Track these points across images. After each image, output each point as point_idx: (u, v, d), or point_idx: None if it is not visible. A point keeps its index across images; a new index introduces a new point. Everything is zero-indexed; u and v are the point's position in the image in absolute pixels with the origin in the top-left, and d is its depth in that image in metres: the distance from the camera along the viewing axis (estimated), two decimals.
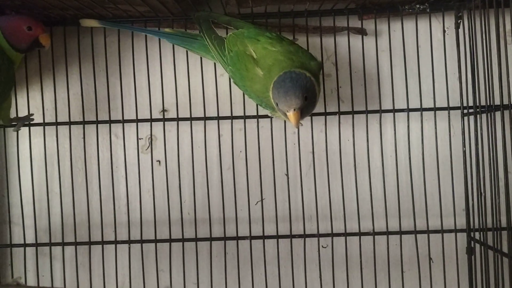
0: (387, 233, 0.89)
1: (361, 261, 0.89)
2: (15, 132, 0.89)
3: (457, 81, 0.89)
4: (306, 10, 0.88)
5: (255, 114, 0.89)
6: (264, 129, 0.91)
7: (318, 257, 0.90)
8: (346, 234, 0.89)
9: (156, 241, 0.90)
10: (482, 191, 0.85)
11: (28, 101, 0.90)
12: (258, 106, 0.87)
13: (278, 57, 0.75)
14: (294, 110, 0.70)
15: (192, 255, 0.90)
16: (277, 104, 0.72)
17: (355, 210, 0.89)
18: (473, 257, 0.88)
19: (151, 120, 0.90)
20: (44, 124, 0.90)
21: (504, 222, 0.78)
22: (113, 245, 0.90)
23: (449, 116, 0.88)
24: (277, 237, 0.89)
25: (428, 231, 0.88)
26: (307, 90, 0.71)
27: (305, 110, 0.72)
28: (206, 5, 0.87)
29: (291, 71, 0.72)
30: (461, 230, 0.89)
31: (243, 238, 0.90)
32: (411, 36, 0.90)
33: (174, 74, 0.90)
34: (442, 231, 0.88)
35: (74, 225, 0.90)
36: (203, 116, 0.90)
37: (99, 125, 0.91)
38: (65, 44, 0.90)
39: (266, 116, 0.89)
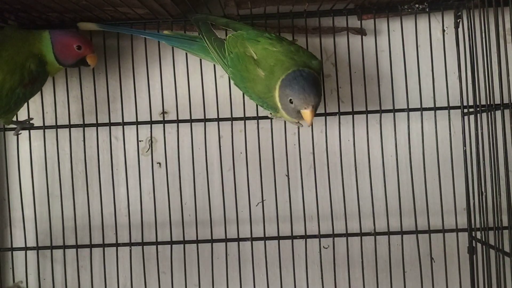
0: (388, 233, 0.89)
1: (362, 261, 0.89)
2: (16, 136, 0.89)
3: (457, 80, 0.89)
4: (305, 10, 0.88)
5: (255, 115, 0.89)
6: (264, 130, 0.91)
7: (319, 258, 0.90)
8: (347, 235, 0.89)
9: (157, 243, 0.90)
10: (483, 190, 0.85)
11: (28, 104, 0.90)
12: (258, 107, 0.87)
13: (279, 57, 0.75)
14: (312, 107, 0.70)
15: (193, 257, 0.90)
16: (290, 101, 0.71)
17: (356, 211, 0.89)
18: (474, 256, 0.88)
19: (151, 122, 0.90)
20: (44, 127, 0.90)
21: (505, 221, 0.78)
22: (114, 248, 0.90)
23: (449, 116, 0.88)
24: (278, 238, 0.89)
25: (429, 231, 0.88)
26: (320, 88, 0.71)
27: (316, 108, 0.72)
28: (205, 6, 0.86)
29: (299, 70, 0.72)
30: (463, 230, 0.89)
31: (244, 239, 0.90)
32: (410, 36, 0.90)
33: (173, 76, 0.90)
34: (443, 230, 0.88)
35: (75, 228, 0.90)
36: (203, 117, 0.90)
37: (99, 127, 0.91)
38: None
39: (266, 117, 0.89)
